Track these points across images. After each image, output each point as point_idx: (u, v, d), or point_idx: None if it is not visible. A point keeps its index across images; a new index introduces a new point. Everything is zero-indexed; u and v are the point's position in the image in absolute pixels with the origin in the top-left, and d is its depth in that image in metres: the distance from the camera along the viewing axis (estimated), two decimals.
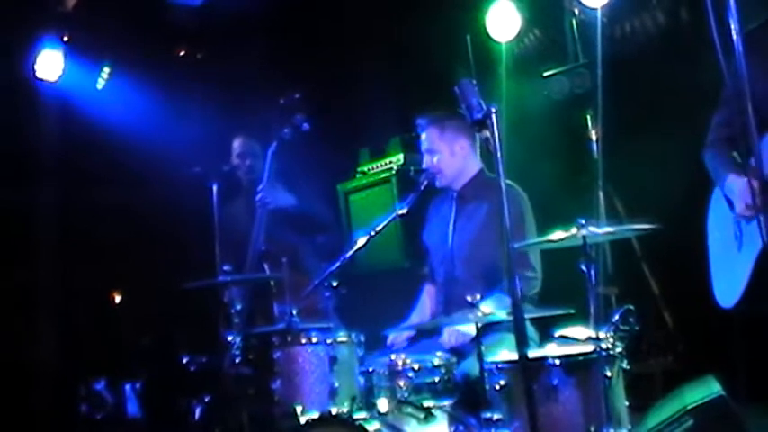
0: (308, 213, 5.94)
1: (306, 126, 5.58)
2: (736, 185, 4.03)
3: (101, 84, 7.55)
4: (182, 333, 7.54)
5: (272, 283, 5.63)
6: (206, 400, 5.88)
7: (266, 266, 5.70)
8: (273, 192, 5.78)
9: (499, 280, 4.73)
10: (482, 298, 4.05)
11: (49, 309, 7.82)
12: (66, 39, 7.35)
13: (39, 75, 7.27)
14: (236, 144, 6.20)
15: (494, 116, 3.39)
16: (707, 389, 4.18)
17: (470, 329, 4.38)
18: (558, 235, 3.86)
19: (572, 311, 4.00)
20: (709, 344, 5.39)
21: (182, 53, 8.12)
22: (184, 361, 6.09)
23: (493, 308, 4.52)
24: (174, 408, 6.87)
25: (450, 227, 5.14)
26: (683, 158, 4.79)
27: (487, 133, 3.41)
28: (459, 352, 4.66)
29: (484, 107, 3.44)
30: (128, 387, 7.78)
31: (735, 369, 4.60)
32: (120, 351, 8.01)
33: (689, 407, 4.14)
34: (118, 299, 8.37)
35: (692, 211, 4.49)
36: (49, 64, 7.27)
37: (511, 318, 3.50)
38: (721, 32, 3.06)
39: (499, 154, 3.37)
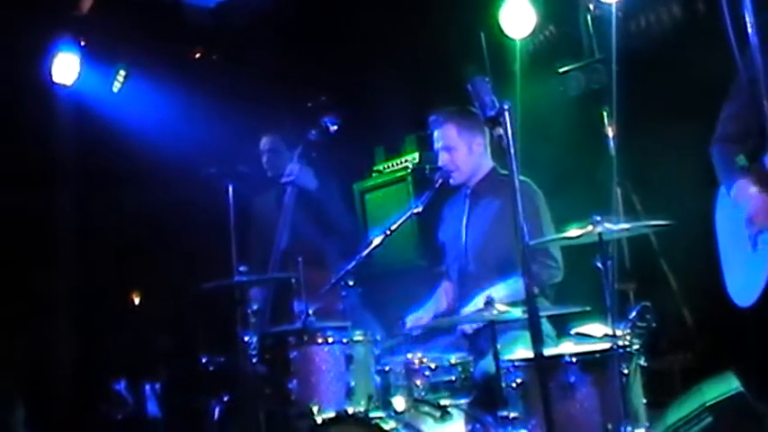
0: (327, 204, 5.97)
1: (334, 128, 5.60)
2: (746, 195, 4.00)
3: (116, 86, 7.57)
4: (200, 333, 7.57)
5: (293, 281, 5.63)
6: (225, 399, 5.89)
7: (290, 264, 5.70)
8: (301, 170, 5.81)
9: (514, 274, 4.69)
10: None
11: (68, 310, 7.88)
12: (81, 42, 7.38)
13: (55, 79, 7.31)
14: (261, 142, 6.25)
15: (507, 113, 3.37)
16: (726, 386, 4.16)
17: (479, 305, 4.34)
18: (574, 231, 3.84)
19: (588, 309, 3.98)
20: (728, 340, 5.35)
21: (197, 55, 8.14)
22: (203, 361, 6.11)
23: (504, 292, 4.53)
24: (193, 407, 6.89)
25: (464, 223, 5.14)
26: (701, 153, 4.75)
27: (501, 130, 3.40)
28: (477, 349, 4.66)
29: (497, 104, 3.43)
30: (147, 387, 7.81)
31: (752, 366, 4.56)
32: (140, 351, 8.04)
33: (708, 404, 4.13)
34: (137, 300, 8.40)
35: (710, 205, 4.46)
36: (65, 68, 7.32)
37: (526, 315, 3.48)
38: (735, 24, 3.03)
39: (512, 151, 3.35)
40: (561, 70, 6.51)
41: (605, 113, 5.98)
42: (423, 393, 4.21)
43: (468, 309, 4.73)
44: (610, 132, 5.93)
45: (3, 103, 7.02)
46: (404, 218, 4.90)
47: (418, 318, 5.03)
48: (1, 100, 7.01)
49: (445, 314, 5.15)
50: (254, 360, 5.01)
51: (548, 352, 3.72)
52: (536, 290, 3.47)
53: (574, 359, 3.74)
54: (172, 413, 7.72)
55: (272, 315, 5.70)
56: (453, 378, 4.28)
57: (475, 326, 4.73)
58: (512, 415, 3.81)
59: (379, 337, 4.51)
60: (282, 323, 5.52)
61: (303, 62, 7.50)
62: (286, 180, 5.83)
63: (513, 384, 3.84)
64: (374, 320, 5.51)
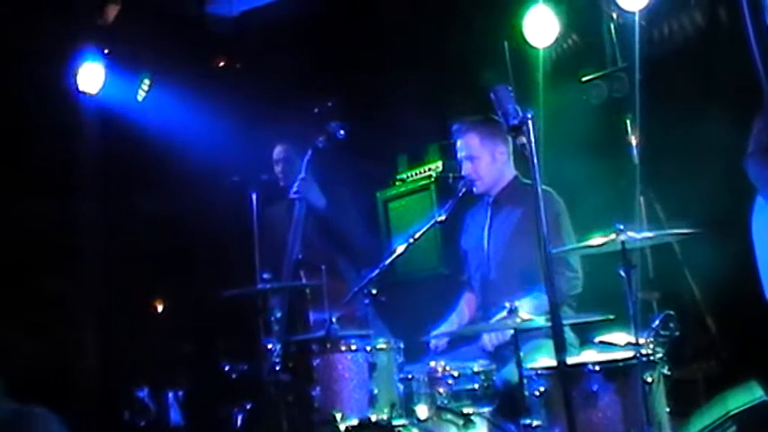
0: (337, 220, 5.94)
1: (341, 133, 5.54)
2: None
3: (141, 95, 7.62)
4: (223, 341, 7.59)
5: (307, 290, 5.62)
6: (247, 407, 5.91)
7: (302, 274, 5.70)
8: (307, 186, 5.74)
9: (535, 282, 4.65)
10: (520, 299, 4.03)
11: (91, 318, 7.90)
12: (106, 51, 7.44)
13: (80, 87, 7.36)
14: (275, 151, 6.26)
15: (530, 122, 3.38)
16: (750, 394, 4.14)
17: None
18: (596, 240, 3.84)
19: (611, 317, 3.97)
20: (752, 349, 5.33)
21: (221, 63, 8.18)
22: (226, 368, 6.13)
23: (530, 307, 4.52)
24: (215, 415, 6.92)
25: (486, 232, 5.14)
26: (724, 161, 4.74)
27: (523, 139, 3.41)
28: (499, 357, 4.65)
29: (520, 113, 3.44)
30: (170, 395, 7.85)
31: None
32: (163, 359, 8.07)
33: (732, 413, 4.11)
34: (160, 307, 8.44)
35: (733, 214, 4.45)
36: (91, 76, 7.35)
37: (549, 324, 3.48)
38: (759, 35, 3.02)
39: (535, 160, 3.36)
40: (584, 79, 6.50)
41: (628, 122, 5.97)
42: (445, 401, 4.22)
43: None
44: (633, 141, 5.93)
45: (29, 112, 7.09)
46: (427, 226, 4.91)
47: (442, 335, 5.02)
48: (27, 108, 7.08)
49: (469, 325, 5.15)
50: (277, 368, 5.03)
51: (570, 360, 3.73)
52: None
53: (597, 367, 3.73)
54: (194, 421, 7.75)
55: (287, 323, 5.71)
56: (476, 386, 4.28)
57: (496, 342, 4.70)
58: (534, 423, 3.80)
59: (401, 345, 4.52)
60: (298, 331, 5.53)
61: (326, 69, 7.52)
62: (293, 196, 5.76)
63: (536, 392, 3.84)
64: (387, 328, 5.48)
